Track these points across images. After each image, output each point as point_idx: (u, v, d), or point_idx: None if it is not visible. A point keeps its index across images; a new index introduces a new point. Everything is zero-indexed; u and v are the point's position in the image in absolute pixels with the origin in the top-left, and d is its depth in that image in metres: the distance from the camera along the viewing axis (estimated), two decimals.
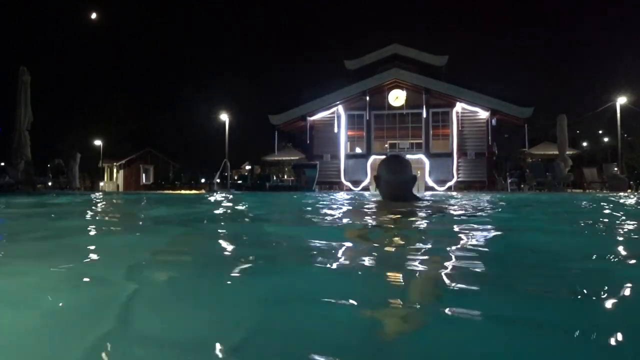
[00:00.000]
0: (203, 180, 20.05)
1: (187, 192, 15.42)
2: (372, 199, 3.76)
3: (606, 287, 0.96)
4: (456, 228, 2.19)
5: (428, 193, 12.50)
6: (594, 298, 0.90)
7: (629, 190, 15.95)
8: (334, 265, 1.21)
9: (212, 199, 7.12)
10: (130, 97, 41.66)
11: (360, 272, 1.15)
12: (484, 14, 66.67)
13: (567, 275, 1.12)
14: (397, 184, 3.31)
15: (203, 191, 15.74)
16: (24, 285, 0.99)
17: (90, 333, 0.68)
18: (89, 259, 1.36)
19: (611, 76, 35.30)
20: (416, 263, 1.24)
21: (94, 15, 31.93)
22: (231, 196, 8.42)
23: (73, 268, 1.18)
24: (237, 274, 1.10)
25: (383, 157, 3.95)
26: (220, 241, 1.85)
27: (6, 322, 0.75)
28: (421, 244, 1.70)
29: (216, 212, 4.39)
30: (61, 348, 0.64)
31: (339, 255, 1.41)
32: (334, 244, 1.64)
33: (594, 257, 1.45)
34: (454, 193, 13.36)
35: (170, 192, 15.96)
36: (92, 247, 1.61)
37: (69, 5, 42.97)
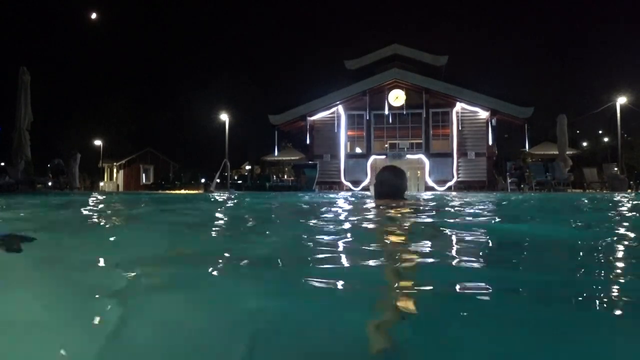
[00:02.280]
0: (203, 180, 20.08)
1: (183, 192, 15.42)
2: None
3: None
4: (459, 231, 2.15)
5: (428, 193, 12.50)
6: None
7: (629, 190, 15.95)
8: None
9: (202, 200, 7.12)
10: (130, 97, 41.62)
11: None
12: (484, 14, 66.68)
13: None
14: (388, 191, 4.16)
15: (199, 191, 15.74)
16: None
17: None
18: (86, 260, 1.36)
19: (611, 76, 35.24)
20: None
21: (94, 15, 31.96)
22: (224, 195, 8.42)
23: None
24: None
25: (383, 165, 4.92)
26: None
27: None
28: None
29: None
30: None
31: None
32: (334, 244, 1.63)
33: None
34: (453, 193, 13.36)
35: (166, 192, 15.97)
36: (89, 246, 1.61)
37: (70, 5, 42.97)
